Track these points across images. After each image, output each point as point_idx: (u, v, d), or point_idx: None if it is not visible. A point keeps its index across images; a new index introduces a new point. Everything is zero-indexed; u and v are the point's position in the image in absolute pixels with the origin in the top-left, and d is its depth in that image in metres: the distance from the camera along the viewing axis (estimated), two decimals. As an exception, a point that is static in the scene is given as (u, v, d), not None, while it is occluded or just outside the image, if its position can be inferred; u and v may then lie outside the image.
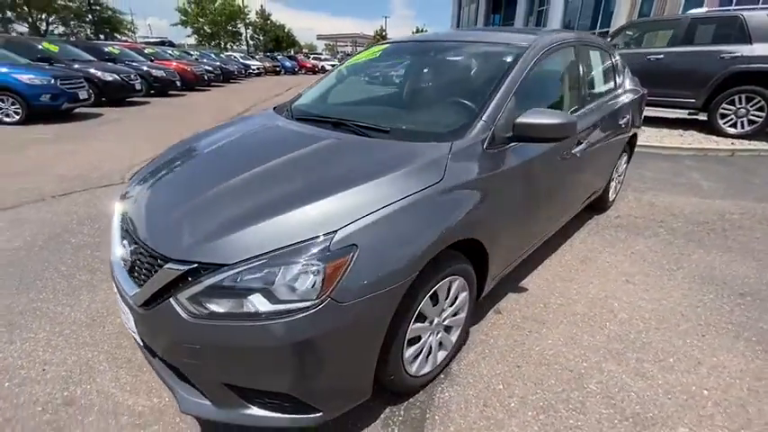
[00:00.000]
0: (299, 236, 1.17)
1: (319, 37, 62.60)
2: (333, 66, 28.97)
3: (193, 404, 1.28)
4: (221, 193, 1.41)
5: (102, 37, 26.65)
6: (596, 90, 2.65)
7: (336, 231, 1.18)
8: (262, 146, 1.86)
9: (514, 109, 1.76)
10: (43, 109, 7.26)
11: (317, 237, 1.16)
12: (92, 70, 9.34)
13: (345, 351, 1.22)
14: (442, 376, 1.74)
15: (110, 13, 29.88)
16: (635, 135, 3.39)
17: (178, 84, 12.79)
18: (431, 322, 1.56)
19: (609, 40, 6.75)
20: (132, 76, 10.30)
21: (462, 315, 1.75)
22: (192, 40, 41.01)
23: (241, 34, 43.07)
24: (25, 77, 7.05)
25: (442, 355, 1.71)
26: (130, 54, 12.51)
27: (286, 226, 1.21)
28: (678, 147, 5.33)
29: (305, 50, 59.37)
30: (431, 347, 1.62)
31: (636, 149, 3.80)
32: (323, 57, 35.41)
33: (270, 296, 1.13)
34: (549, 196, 2.20)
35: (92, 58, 10.36)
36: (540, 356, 1.85)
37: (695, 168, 4.85)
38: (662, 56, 6.08)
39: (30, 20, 24.39)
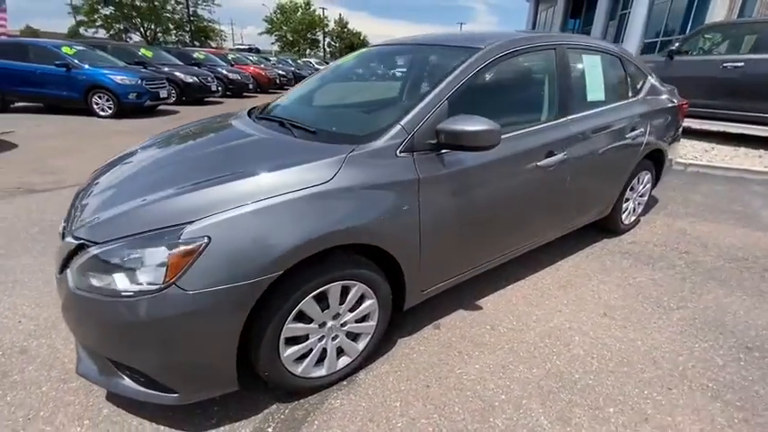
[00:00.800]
0: (162, 223, 1.25)
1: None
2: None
3: (85, 367, 1.42)
4: (130, 180, 1.55)
5: (197, 44, 30.36)
6: (587, 98, 2.38)
7: (193, 222, 1.24)
8: (200, 141, 1.99)
9: (446, 115, 1.67)
10: (130, 105, 8.41)
11: (173, 225, 1.23)
12: (176, 73, 10.63)
13: (195, 338, 1.26)
14: (345, 383, 1.70)
15: (205, 23, 34.08)
16: (660, 151, 2.96)
17: (251, 86, 13.98)
18: (320, 325, 1.54)
19: (678, 45, 5.95)
20: (209, 79, 11.49)
21: (371, 323, 1.69)
22: (277, 47, 44.65)
23: (319, 41, 46.09)
24: (118, 78, 8.24)
25: (344, 361, 1.67)
26: (213, 59, 13.94)
27: (156, 213, 1.30)
28: (746, 169, 4.52)
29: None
30: (326, 351, 1.60)
31: (694, 169, 3.34)
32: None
33: (129, 276, 1.22)
34: (506, 210, 2.03)
35: (179, 63, 11.79)
36: (457, 380, 1.72)
37: (760, 195, 4.08)
38: (742, 63, 5.20)
39: (141, 30, 28.71)
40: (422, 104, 1.67)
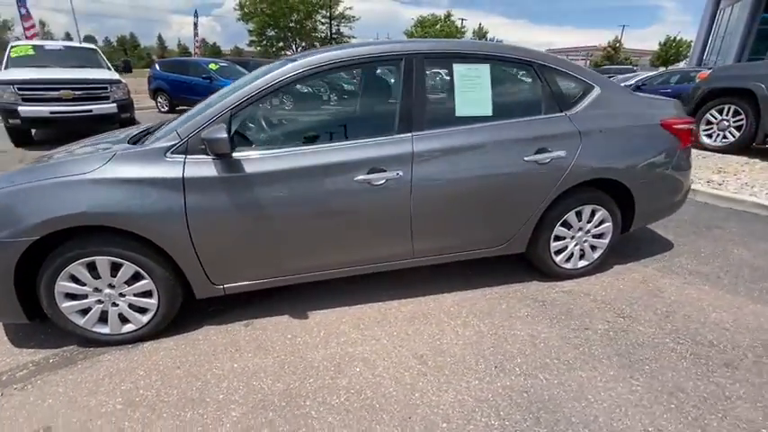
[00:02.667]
0: None
1: (548, 51, 59.19)
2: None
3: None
4: None
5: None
6: (455, 112, 2.07)
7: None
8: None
9: (227, 125, 1.81)
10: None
11: None
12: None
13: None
14: (130, 346, 1.99)
15: (345, 39, 38.03)
16: (617, 184, 2.31)
17: None
18: (95, 289, 1.87)
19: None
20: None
21: (153, 300, 1.95)
22: None
23: None
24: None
25: (129, 327, 1.98)
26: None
27: None
28: None
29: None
30: (106, 314, 1.93)
31: (721, 203, 2.49)
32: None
33: None
34: (310, 222, 1.98)
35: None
36: (208, 370, 1.83)
37: None
38: None
39: (293, 48, 34.28)
40: (202, 114, 1.85)
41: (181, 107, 11.32)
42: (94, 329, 1.95)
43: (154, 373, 1.82)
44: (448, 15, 46.37)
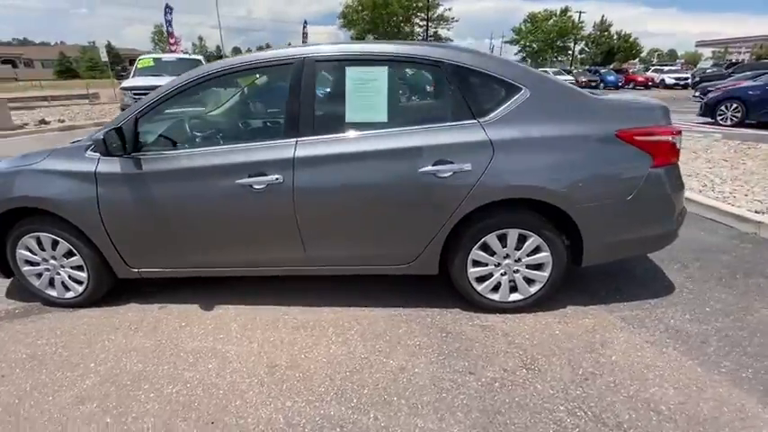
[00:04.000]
0: None
1: (700, 43, 49.15)
2: (678, 78, 22.39)
3: None
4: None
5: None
6: (345, 118, 1.93)
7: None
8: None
9: (132, 128, 2.04)
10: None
11: None
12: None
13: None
14: (59, 309, 2.39)
15: (443, 41, 37.37)
16: (552, 207, 1.89)
17: None
18: (44, 259, 2.30)
19: None
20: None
21: (84, 274, 2.30)
22: (518, 58, 43.43)
23: (569, 49, 41.64)
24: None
25: (72, 294, 2.38)
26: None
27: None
28: None
29: (655, 60, 49.02)
30: (54, 280, 2.35)
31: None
32: (667, 68, 28.12)
33: None
34: (199, 220, 2.11)
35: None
36: (26, 334, 2.11)
37: None
38: None
39: None
40: (114, 120, 2.11)
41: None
42: (46, 291, 2.39)
43: (66, 334, 2.16)
44: (564, 10, 42.39)
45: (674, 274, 2.56)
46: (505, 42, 47.54)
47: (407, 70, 2.03)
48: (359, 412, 1.62)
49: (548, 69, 26.01)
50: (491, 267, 2.11)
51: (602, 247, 2.04)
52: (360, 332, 2.11)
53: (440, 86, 2.02)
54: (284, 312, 2.30)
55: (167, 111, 2.22)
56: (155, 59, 9.03)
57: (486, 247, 2.06)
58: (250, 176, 1.99)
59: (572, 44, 41.37)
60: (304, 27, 22.81)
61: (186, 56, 10.13)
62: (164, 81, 7.56)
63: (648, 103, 2.03)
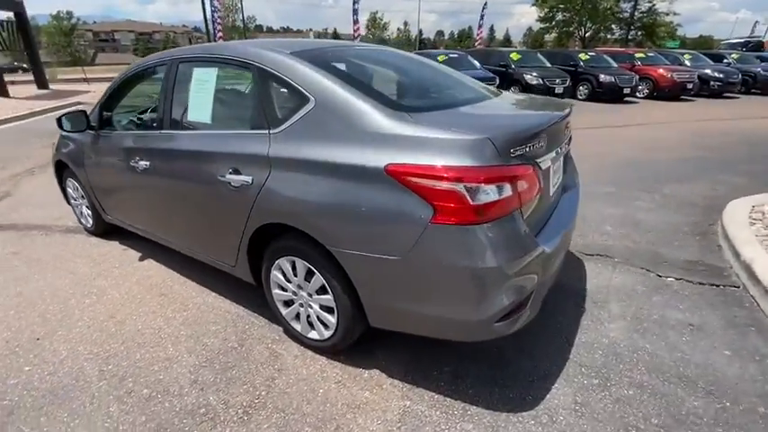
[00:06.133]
0: None
1: None
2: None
3: None
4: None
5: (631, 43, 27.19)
6: (188, 116, 2.01)
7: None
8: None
9: (97, 113, 2.69)
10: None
11: None
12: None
13: None
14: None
15: (657, 17, 29.40)
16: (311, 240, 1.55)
17: (638, 90, 12.36)
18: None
19: None
20: (557, 81, 11.45)
21: (89, 212, 3.20)
22: None
23: None
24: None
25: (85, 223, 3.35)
26: (599, 58, 13.05)
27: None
28: None
29: None
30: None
31: None
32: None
33: None
34: (123, 190, 2.61)
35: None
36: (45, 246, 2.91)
37: None
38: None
39: (581, 30, 29.35)
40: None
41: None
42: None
43: (53, 248, 3.08)
44: None
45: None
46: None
47: (237, 72, 1.95)
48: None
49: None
50: (290, 294, 1.90)
51: (382, 310, 1.56)
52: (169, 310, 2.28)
53: (251, 91, 1.88)
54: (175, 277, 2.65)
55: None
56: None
57: (283, 272, 1.87)
58: (139, 160, 2.33)
59: None
60: (483, 8, 21.91)
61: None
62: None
63: (457, 137, 1.34)
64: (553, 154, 1.71)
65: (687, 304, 2.27)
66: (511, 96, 2.44)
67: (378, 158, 1.40)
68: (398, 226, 1.38)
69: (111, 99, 2.69)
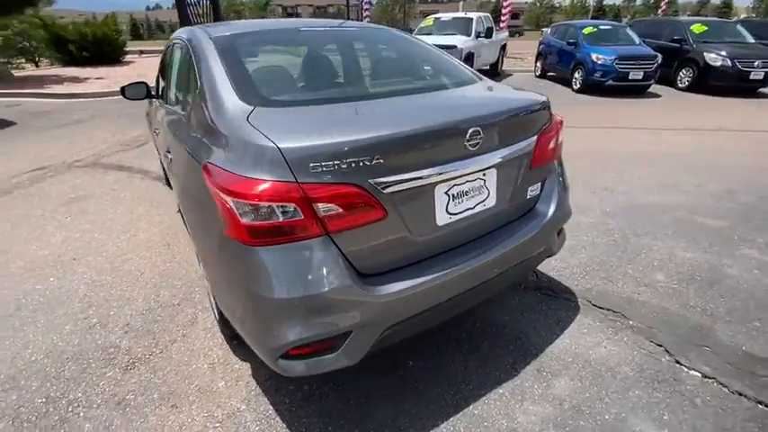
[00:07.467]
0: None
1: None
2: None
3: None
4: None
5: None
6: (175, 94, 2.24)
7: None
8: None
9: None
10: (593, 83, 8.88)
11: None
12: (705, 53, 8.75)
13: None
14: None
15: None
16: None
17: None
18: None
19: None
20: (758, 64, 8.34)
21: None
22: None
23: None
24: (594, 56, 8.78)
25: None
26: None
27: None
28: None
29: None
30: None
31: None
32: None
33: None
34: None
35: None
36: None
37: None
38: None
39: None
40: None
41: (551, 73, 11.23)
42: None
43: (140, 189, 3.90)
44: None
45: None
46: None
47: (183, 55, 2.12)
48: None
49: None
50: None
51: (223, 305, 1.53)
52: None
53: (189, 71, 1.98)
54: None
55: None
56: (434, 19, 10.11)
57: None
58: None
59: None
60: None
61: (460, 15, 10.46)
62: (430, 39, 8.65)
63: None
64: (452, 172, 1.33)
65: None
66: (476, 89, 1.88)
67: (207, 153, 1.34)
68: (214, 225, 1.32)
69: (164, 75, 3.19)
